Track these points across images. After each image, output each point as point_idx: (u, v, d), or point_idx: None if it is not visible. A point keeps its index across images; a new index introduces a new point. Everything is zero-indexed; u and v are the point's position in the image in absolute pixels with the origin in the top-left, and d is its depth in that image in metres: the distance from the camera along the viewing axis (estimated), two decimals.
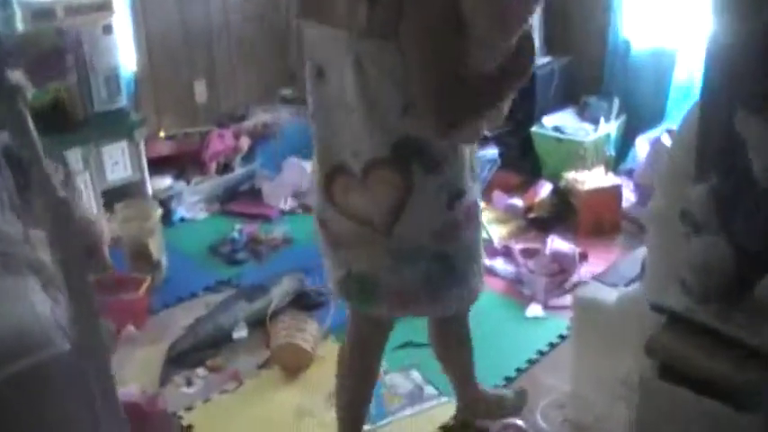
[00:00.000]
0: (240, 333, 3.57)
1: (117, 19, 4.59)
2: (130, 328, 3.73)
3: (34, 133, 2.16)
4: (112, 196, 4.73)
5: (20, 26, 4.43)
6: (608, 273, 2.79)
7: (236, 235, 4.51)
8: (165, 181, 4.92)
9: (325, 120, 2.31)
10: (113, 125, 4.60)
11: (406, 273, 2.34)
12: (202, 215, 4.89)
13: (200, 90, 5.33)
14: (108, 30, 4.53)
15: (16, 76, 1.99)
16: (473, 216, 2.40)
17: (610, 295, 2.61)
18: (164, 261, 4.22)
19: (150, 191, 4.79)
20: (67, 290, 2.27)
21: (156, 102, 5.15)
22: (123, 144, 4.62)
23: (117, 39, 4.59)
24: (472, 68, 2.12)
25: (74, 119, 4.57)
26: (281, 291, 3.71)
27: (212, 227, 4.75)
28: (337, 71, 2.20)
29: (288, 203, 4.81)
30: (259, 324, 3.63)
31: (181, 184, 4.92)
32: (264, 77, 5.61)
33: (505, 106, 2.33)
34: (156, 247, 4.14)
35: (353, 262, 2.40)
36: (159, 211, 4.26)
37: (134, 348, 3.63)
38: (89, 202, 4.52)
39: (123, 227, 4.18)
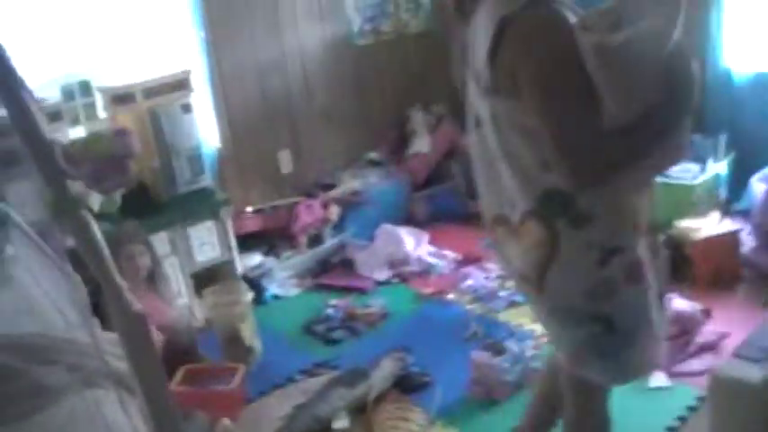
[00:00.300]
0: (341, 423, 3.35)
1: (196, 97, 4.54)
2: (226, 420, 3.56)
3: (101, 244, 2.02)
4: (202, 278, 4.63)
5: (101, 113, 4.43)
6: (747, 345, 2.46)
7: (330, 312, 4.32)
8: (255, 258, 4.78)
9: (483, 169, 2.27)
10: (198, 205, 4.51)
11: (565, 332, 2.21)
12: (295, 291, 4.72)
13: (285, 160, 5.21)
14: (187, 109, 4.47)
15: (77, 186, 1.84)
16: (637, 274, 2.14)
17: (753, 373, 2.28)
18: (257, 345, 4.05)
19: (240, 270, 4.66)
20: (147, 405, 2.11)
21: (241, 176, 5.05)
22: (210, 224, 4.52)
23: (197, 117, 4.53)
24: (608, 123, 1.95)
25: (158, 201, 4.50)
26: (381, 374, 3.47)
27: (306, 303, 4.58)
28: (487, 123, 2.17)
29: (383, 274, 4.60)
30: (359, 411, 3.40)
31: (271, 261, 4.78)
32: (349, 142, 5.46)
33: (684, 138, 2.08)
34: (249, 332, 3.98)
35: None
36: (250, 295, 4.09)
37: None
38: (178, 287, 4.42)
39: (213, 313, 4.04)
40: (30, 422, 2.40)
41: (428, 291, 4.35)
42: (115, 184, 1.87)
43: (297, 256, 4.82)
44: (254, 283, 4.69)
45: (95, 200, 2.16)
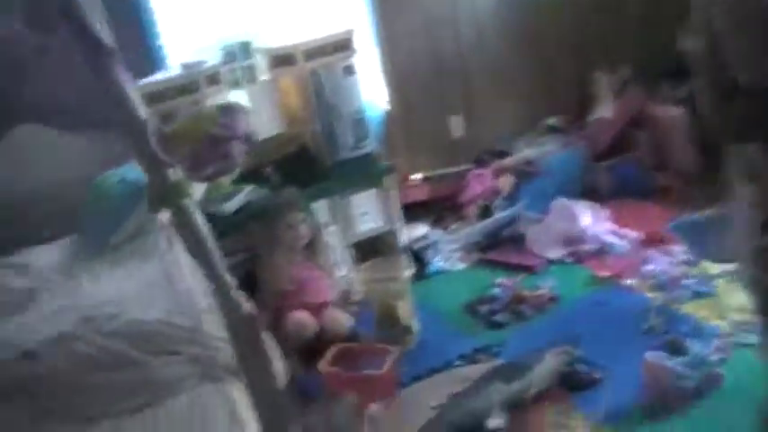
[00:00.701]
0: (496, 422, 3.07)
1: (360, 58, 4.34)
2: (374, 406, 3.38)
3: (206, 236, 1.85)
4: (363, 249, 4.46)
5: (263, 76, 4.32)
6: None
7: (496, 291, 4.02)
8: (420, 229, 4.56)
9: None
10: (361, 172, 4.35)
11: None
12: (460, 266, 4.47)
13: (456, 125, 4.94)
14: (349, 71, 4.28)
15: (176, 173, 1.68)
16: None
17: None
18: (415, 325, 3.84)
19: (403, 241, 4.46)
20: (256, 407, 1.96)
21: (408, 142, 4.83)
22: (372, 192, 4.34)
23: (361, 79, 4.33)
24: None
25: (320, 167, 4.37)
26: (544, 370, 3.16)
27: (470, 280, 4.31)
28: None
29: (556, 252, 4.25)
30: (516, 408, 3.12)
31: (437, 232, 4.55)
32: (527, 106, 5.10)
33: None
34: (406, 311, 3.77)
35: None
36: (410, 270, 3.87)
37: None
38: (338, 257, 4.28)
39: (369, 289, 3.87)
40: (147, 414, 2.29)
41: (604, 274, 3.96)
42: (215, 171, 1.68)
43: (464, 228, 4.56)
44: (418, 255, 4.48)
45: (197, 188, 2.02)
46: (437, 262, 4.47)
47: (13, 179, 4.08)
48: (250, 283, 4.04)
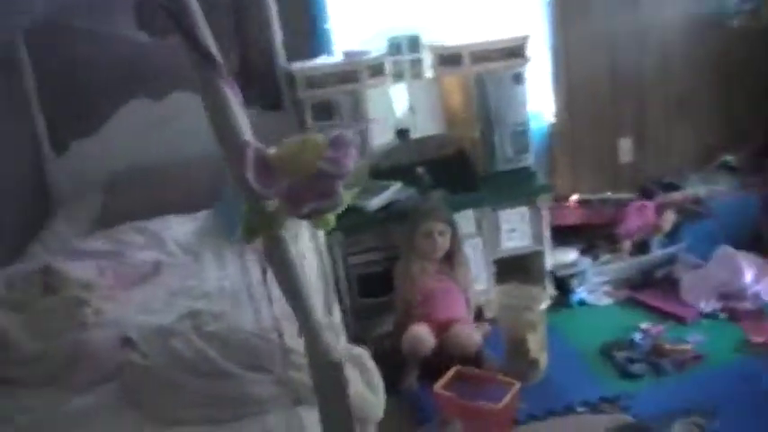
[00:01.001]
0: None
1: (532, 66, 4.16)
2: None
3: (298, 272, 1.76)
4: (505, 268, 4.31)
5: (428, 73, 4.21)
6: None
7: (637, 338, 3.78)
8: (569, 255, 4.35)
9: None
10: (516, 186, 4.19)
11: None
12: (605, 301, 4.23)
13: (625, 149, 4.67)
14: (519, 79, 4.12)
15: (275, 203, 1.60)
16: None
17: None
18: (543, 359, 3.67)
19: (549, 265, 4.27)
20: None
21: (571, 160, 4.61)
22: (524, 210, 4.16)
23: (528, 89, 4.16)
24: None
25: (473, 176, 4.24)
26: None
27: (613, 318, 4.07)
28: None
29: (710, 305, 3.94)
30: None
31: (586, 261, 4.32)
32: (704, 138, 4.76)
33: None
34: (537, 344, 3.61)
35: None
36: (547, 302, 3.68)
37: None
38: (478, 271, 4.15)
39: (502, 314, 3.72)
40: (235, 426, 2.25)
41: (759, 339, 3.64)
42: (315, 209, 1.58)
43: (617, 261, 4.31)
44: (562, 282, 4.28)
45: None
46: (581, 292, 4.25)
47: (168, 143, 4.18)
48: (386, 283, 4.00)
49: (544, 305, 3.61)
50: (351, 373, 2.14)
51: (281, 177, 1.55)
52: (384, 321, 4.16)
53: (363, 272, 4.13)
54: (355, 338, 4.18)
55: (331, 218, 1.72)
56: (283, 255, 1.70)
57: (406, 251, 3.90)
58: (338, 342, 2.31)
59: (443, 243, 3.83)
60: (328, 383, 1.76)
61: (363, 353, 2.29)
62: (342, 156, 1.58)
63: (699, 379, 3.47)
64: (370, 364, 2.24)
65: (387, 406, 3.69)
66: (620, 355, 3.68)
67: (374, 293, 4.13)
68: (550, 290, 4.30)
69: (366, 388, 2.17)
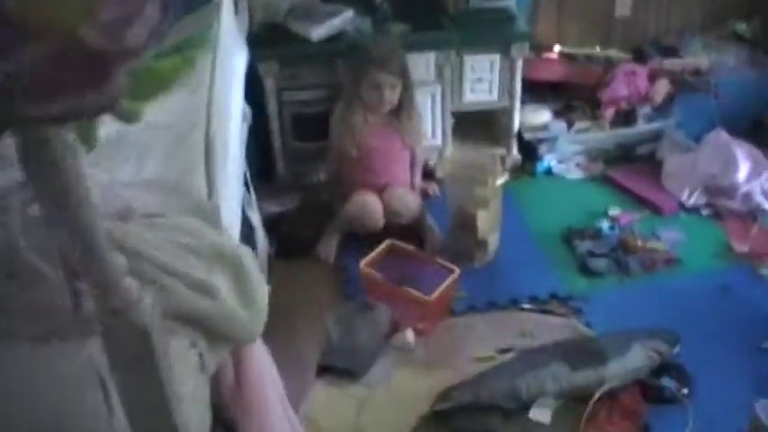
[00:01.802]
0: (541, 412, 2.49)
1: None
2: (410, 334, 2.84)
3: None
4: (467, 121, 3.78)
5: None
6: None
7: (604, 227, 3.33)
8: (542, 116, 3.80)
9: None
10: (489, 29, 3.59)
11: None
12: (575, 174, 3.74)
13: (624, 1, 4.04)
14: None
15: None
16: None
17: None
18: (494, 241, 3.21)
19: (516, 124, 3.74)
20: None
21: (559, 6, 3.98)
22: (495, 57, 3.58)
23: None
24: None
25: (441, 11, 3.63)
26: (624, 366, 2.52)
27: (581, 197, 3.60)
28: None
29: (693, 197, 3.46)
30: (574, 403, 2.52)
31: (560, 125, 3.78)
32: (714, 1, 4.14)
33: None
34: (488, 223, 3.13)
35: None
36: (504, 176, 3.17)
37: (403, 365, 2.76)
38: (434, 125, 3.62)
39: (451, 185, 3.22)
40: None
41: (743, 249, 3.19)
42: (69, 110, 0.95)
43: (595, 129, 3.78)
44: (529, 146, 3.77)
45: None
46: (550, 160, 3.75)
47: None
48: (325, 126, 3.46)
49: (501, 180, 3.11)
50: (220, 281, 1.66)
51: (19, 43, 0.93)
52: (319, 168, 3.66)
53: (300, 111, 3.58)
54: (284, 185, 3.73)
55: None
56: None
57: (348, 96, 3.33)
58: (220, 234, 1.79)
59: (392, 97, 3.28)
60: (128, 353, 1.22)
61: (246, 253, 1.78)
62: (128, 15, 0.96)
63: (668, 286, 3.06)
64: (251, 268, 1.74)
65: (312, 272, 3.36)
66: (583, 245, 3.23)
67: (311, 136, 3.59)
68: (515, 153, 3.80)
69: (238, 300, 1.68)
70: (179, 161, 2.20)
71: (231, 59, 2.82)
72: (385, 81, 3.21)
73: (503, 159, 3.71)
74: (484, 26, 3.57)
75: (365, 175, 3.35)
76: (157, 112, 2.57)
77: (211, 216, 1.95)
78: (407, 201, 3.29)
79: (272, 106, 3.54)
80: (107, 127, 2.55)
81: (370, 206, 3.25)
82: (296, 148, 3.66)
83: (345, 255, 3.29)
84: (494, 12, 3.59)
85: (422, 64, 3.51)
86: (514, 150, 3.80)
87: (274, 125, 3.59)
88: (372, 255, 3.01)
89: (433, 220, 3.35)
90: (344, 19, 3.50)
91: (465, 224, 3.14)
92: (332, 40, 3.46)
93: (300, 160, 3.69)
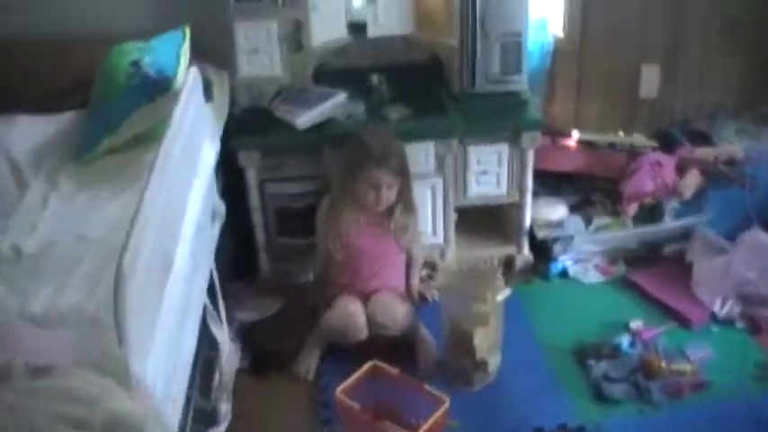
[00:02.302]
0: None
1: None
2: None
3: None
4: (471, 217, 3.44)
5: None
6: None
7: (624, 342, 2.94)
8: (556, 211, 3.46)
9: None
10: (498, 116, 3.27)
11: None
12: (594, 278, 3.37)
13: (650, 80, 3.68)
14: None
15: None
16: None
17: None
18: (495, 360, 2.84)
19: (528, 220, 3.39)
20: None
21: (577, 88, 3.66)
22: (503, 147, 3.25)
23: None
24: None
25: (445, 96, 3.32)
26: None
27: (599, 304, 3.23)
28: None
29: (727, 307, 3.07)
30: None
31: (577, 222, 3.43)
32: (752, 76, 3.76)
33: None
34: (488, 341, 2.77)
35: None
36: (504, 293, 2.78)
37: None
38: (435, 221, 3.29)
39: (445, 300, 2.87)
40: None
41: None
42: None
43: (616, 227, 3.42)
44: (543, 245, 3.42)
45: None
46: (565, 261, 3.40)
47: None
48: (308, 223, 3.15)
49: (503, 294, 2.74)
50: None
51: None
52: (307, 267, 3.33)
53: (285, 204, 3.27)
54: (268, 286, 3.40)
55: None
56: None
57: (337, 192, 3.01)
58: None
59: (390, 196, 2.95)
60: None
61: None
62: None
63: (696, 417, 2.65)
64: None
65: (288, 391, 2.94)
66: (598, 367, 2.85)
67: (297, 232, 3.27)
68: (526, 253, 3.45)
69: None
70: (104, 288, 1.89)
71: (191, 155, 2.52)
72: (384, 180, 2.88)
73: (509, 264, 3.38)
74: (491, 112, 3.25)
75: (352, 280, 3.02)
76: (92, 221, 2.29)
77: (117, 370, 1.63)
78: (395, 312, 2.93)
79: (254, 199, 3.24)
80: (35, 237, 2.30)
81: (351, 316, 2.90)
82: (281, 244, 3.35)
83: (326, 371, 2.94)
84: (503, 96, 3.28)
85: (421, 153, 3.19)
86: (525, 250, 3.45)
87: (257, 219, 3.29)
88: (351, 379, 2.65)
89: (428, 332, 2.99)
90: (336, 103, 3.20)
91: (461, 343, 2.78)
92: (320, 127, 3.16)
93: (286, 258, 3.38)
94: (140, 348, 1.71)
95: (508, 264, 3.48)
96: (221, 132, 3.03)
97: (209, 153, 2.73)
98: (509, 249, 3.47)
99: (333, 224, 2.99)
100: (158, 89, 2.56)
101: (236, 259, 3.35)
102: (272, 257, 3.38)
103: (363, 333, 2.91)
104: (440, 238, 3.38)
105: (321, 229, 3.07)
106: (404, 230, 3.03)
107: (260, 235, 3.33)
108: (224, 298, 2.90)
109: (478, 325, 2.72)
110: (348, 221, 2.97)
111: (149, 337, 1.81)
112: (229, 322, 3.05)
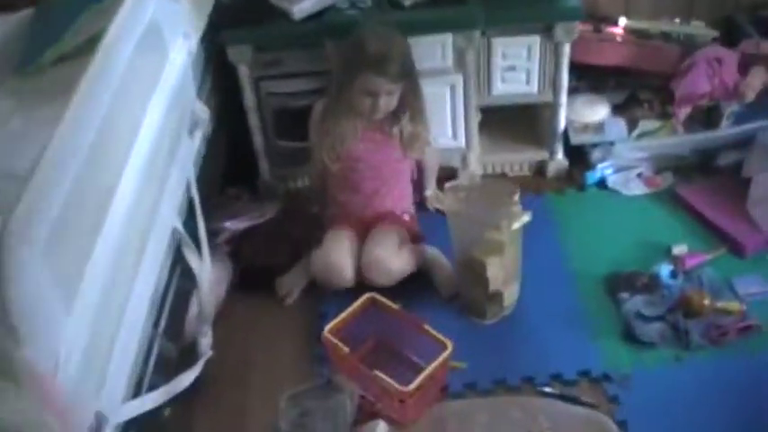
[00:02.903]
0: None
1: None
2: (382, 426, 2.21)
3: None
4: (497, 118, 3.07)
5: None
6: None
7: (663, 272, 2.58)
8: (597, 112, 3.06)
9: None
10: (522, 4, 2.83)
11: None
12: (636, 189, 2.99)
13: None
14: None
15: None
16: None
17: None
18: (512, 291, 2.52)
19: (562, 121, 3.00)
20: None
21: None
22: (534, 40, 2.84)
23: None
24: None
25: None
26: None
27: (640, 223, 2.86)
28: None
29: None
30: None
31: (619, 125, 3.03)
32: None
33: None
34: (503, 271, 2.44)
35: None
36: (521, 220, 2.41)
37: None
38: (456, 122, 2.93)
39: (453, 222, 2.52)
40: None
41: None
42: None
43: (664, 132, 3.01)
44: (579, 150, 3.05)
45: None
46: (604, 169, 3.01)
47: None
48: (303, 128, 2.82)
49: (520, 223, 2.38)
50: None
51: None
52: (306, 172, 3.03)
53: (283, 104, 2.93)
54: (269, 190, 3.11)
55: None
56: None
57: (334, 96, 2.65)
58: None
59: (389, 104, 2.59)
60: None
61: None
62: None
63: (743, 366, 2.30)
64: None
65: (281, 313, 2.67)
66: (632, 303, 2.50)
67: (298, 134, 2.91)
68: (560, 158, 3.08)
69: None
70: None
71: (151, 60, 2.17)
72: (381, 87, 2.52)
73: (540, 170, 3.02)
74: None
75: (351, 197, 2.71)
76: (24, 150, 1.97)
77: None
78: (390, 268, 2.58)
79: (249, 99, 2.91)
80: None
81: (334, 267, 2.59)
82: (281, 147, 3.02)
83: (326, 298, 2.65)
84: None
85: (437, 47, 2.79)
86: (559, 155, 3.08)
87: (254, 121, 2.96)
88: (344, 314, 2.36)
89: (444, 257, 2.68)
90: None
91: (473, 271, 2.46)
92: (320, 16, 2.77)
93: (287, 161, 3.07)
94: (48, 322, 1.43)
95: (539, 170, 3.13)
96: (204, 24, 2.67)
97: (178, 54, 2.37)
98: (540, 154, 3.11)
99: (327, 132, 2.64)
100: None
101: (236, 164, 3.05)
102: (273, 161, 3.07)
103: (349, 283, 2.59)
104: (461, 142, 3.01)
105: (315, 136, 2.73)
106: (413, 141, 2.68)
107: (258, 138, 3.01)
108: (212, 210, 2.62)
109: (492, 254, 2.39)
110: (344, 129, 2.62)
111: (66, 303, 1.52)
112: (217, 233, 2.79)
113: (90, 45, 2.13)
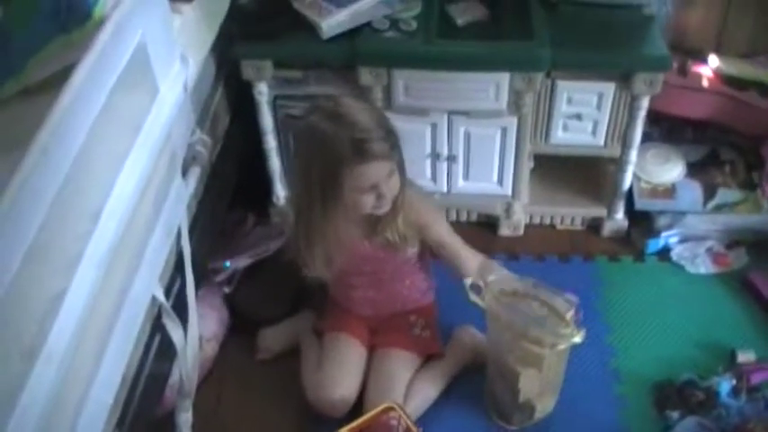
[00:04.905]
0: None
1: None
2: None
3: None
4: (552, 169, 2.77)
5: None
6: None
7: (723, 387, 2.29)
8: (669, 171, 2.73)
9: None
10: (598, 44, 2.49)
11: None
12: (703, 267, 2.68)
13: None
14: None
15: None
16: None
17: None
18: (546, 404, 2.26)
19: (628, 181, 2.68)
20: None
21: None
22: (608, 88, 2.52)
23: None
24: None
25: (529, 11, 2.54)
26: None
27: (705, 311, 2.57)
28: None
29: None
30: None
31: (693, 190, 2.71)
32: None
33: None
34: (538, 383, 2.16)
35: None
36: (570, 340, 2.09)
37: None
38: (504, 168, 2.64)
39: (493, 318, 2.21)
40: None
41: None
42: None
43: (745, 208, 2.68)
44: (643, 215, 2.73)
45: None
46: (669, 237, 2.71)
47: None
48: None
49: (569, 343, 2.07)
50: None
51: None
52: None
53: None
54: (276, 216, 2.84)
55: None
56: None
57: (313, 212, 2.18)
58: None
59: (394, 188, 2.13)
60: None
61: None
62: None
63: None
64: None
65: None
66: (682, 426, 2.22)
67: None
68: (619, 217, 2.78)
69: None
70: None
71: (131, 99, 1.87)
72: (379, 173, 2.06)
73: (595, 228, 2.71)
74: (596, 35, 2.49)
75: (351, 304, 2.43)
76: None
77: None
78: (397, 395, 2.25)
79: (266, 121, 2.63)
80: None
81: (338, 401, 2.26)
82: None
83: None
84: (617, 10, 2.51)
85: (490, 87, 2.48)
86: (619, 214, 2.79)
87: (270, 143, 2.67)
88: (359, 421, 2.09)
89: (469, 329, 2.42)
90: (370, 3, 2.46)
91: (503, 378, 2.19)
92: (350, 35, 2.45)
93: None
94: None
95: (593, 226, 2.84)
96: (214, 36, 2.36)
97: (170, 90, 2.05)
98: (597, 210, 2.81)
99: (314, 249, 2.23)
100: (73, 18, 1.86)
101: (245, 189, 2.77)
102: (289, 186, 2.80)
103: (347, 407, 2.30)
104: (507, 189, 2.72)
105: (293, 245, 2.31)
106: (404, 241, 2.25)
107: (274, 161, 2.72)
108: (214, 240, 2.38)
109: (528, 366, 2.11)
110: (343, 235, 2.22)
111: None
112: (216, 272, 2.57)
113: (59, 80, 1.83)
